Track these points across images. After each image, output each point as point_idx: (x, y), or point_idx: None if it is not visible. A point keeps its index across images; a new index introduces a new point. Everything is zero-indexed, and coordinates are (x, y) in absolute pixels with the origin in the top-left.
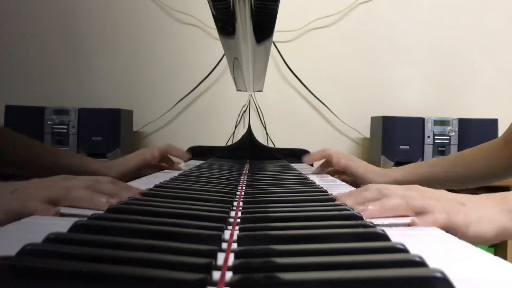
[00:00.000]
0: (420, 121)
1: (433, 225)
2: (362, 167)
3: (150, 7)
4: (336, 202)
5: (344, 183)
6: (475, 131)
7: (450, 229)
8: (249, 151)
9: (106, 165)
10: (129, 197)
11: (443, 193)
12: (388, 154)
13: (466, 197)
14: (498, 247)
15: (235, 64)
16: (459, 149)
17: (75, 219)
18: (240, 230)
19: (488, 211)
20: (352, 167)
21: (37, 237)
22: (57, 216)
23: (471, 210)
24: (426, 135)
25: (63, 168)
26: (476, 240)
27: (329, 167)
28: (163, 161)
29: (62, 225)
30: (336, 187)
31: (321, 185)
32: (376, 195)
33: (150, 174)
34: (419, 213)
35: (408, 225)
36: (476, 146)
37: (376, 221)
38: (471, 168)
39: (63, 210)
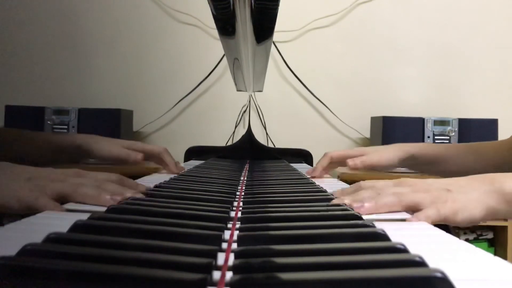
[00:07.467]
0: (420, 121)
1: (426, 221)
2: (376, 155)
3: (150, 7)
4: (334, 202)
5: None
6: (475, 131)
7: (442, 221)
8: (249, 151)
9: (89, 141)
10: (129, 197)
11: (432, 183)
12: None
13: (453, 182)
14: (498, 247)
15: (235, 64)
16: None
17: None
18: (240, 230)
19: (475, 193)
20: (371, 162)
21: (37, 237)
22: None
23: (458, 195)
24: (426, 135)
25: (57, 147)
26: (465, 224)
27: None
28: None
29: (62, 225)
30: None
31: (321, 185)
32: (370, 194)
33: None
34: (411, 207)
35: (404, 220)
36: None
37: (373, 216)
38: (481, 158)
39: (71, 206)
